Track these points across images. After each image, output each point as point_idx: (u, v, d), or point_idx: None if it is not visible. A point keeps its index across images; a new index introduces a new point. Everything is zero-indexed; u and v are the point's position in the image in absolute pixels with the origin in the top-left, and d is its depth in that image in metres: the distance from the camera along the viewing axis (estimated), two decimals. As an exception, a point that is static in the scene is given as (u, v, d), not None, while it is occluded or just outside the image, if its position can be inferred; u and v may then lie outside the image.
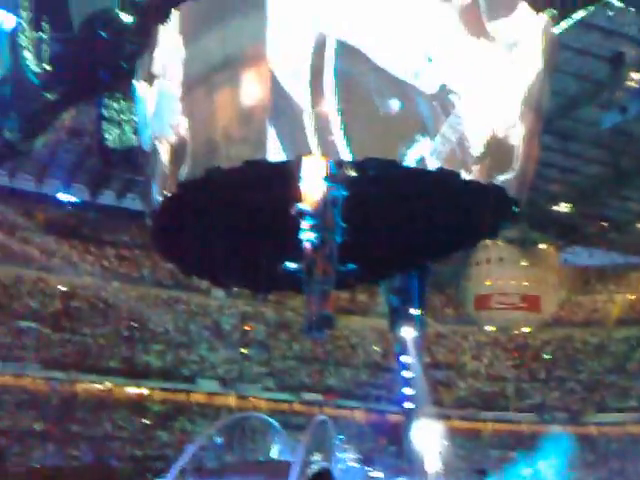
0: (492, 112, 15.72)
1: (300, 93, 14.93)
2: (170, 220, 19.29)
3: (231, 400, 38.49)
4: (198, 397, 38.66)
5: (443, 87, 14.74)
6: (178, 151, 16.87)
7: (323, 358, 42.70)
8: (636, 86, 24.51)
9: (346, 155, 15.55)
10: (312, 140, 15.37)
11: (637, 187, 35.64)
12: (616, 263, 46.93)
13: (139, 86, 17.86)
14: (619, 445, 39.12)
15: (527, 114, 16.68)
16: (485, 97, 15.51)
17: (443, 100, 14.85)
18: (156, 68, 16.81)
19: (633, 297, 46.26)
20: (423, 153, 15.30)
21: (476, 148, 15.73)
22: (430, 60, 14.49)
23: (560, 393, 43.03)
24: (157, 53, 16.85)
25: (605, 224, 41.09)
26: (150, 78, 17.13)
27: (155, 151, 17.45)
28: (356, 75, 14.65)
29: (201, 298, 42.61)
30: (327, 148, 15.50)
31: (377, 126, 15.25)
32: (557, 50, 17.98)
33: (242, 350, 40.80)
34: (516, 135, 16.55)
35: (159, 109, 16.93)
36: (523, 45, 15.81)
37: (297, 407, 39.23)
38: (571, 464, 34.95)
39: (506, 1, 15.65)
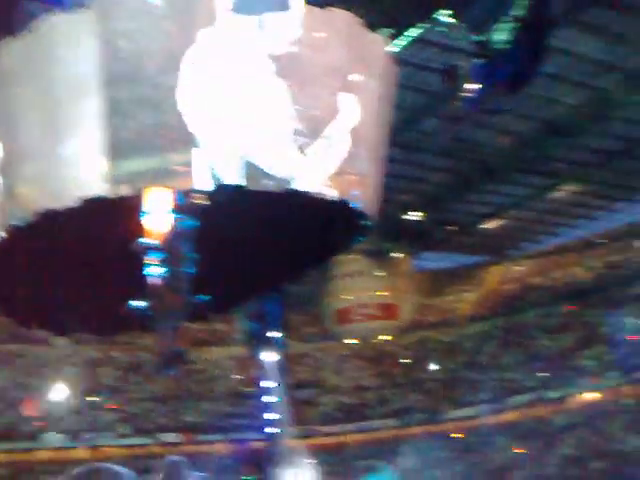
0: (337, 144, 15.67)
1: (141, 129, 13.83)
2: (-1, 268, 17.44)
3: (81, 453, 35.79)
4: (43, 454, 35.75)
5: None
6: (3, 194, 15.15)
7: (181, 395, 41.16)
8: (469, 96, 25.21)
9: (193, 184, 14.52)
10: (155, 171, 14.24)
11: (479, 191, 37.19)
12: (464, 264, 48.89)
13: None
14: (476, 438, 40.26)
15: (370, 133, 16.52)
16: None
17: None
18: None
19: (480, 294, 48.21)
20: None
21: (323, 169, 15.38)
22: None
23: (419, 394, 43.83)
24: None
25: (451, 228, 42.66)
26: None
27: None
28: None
29: (41, 349, 39.76)
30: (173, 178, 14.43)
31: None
32: (395, 69, 18.01)
33: (91, 398, 38.39)
34: (361, 155, 16.35)
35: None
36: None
37: (155, 449, 37.01)
38: (431, 463, 35.61)
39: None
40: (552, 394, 40.38)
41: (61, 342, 39.37)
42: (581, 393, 40.16)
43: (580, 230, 44.38)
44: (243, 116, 15.20)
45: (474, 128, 29.61)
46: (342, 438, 42.03)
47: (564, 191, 38.60)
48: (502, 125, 30.81)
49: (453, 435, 40.91)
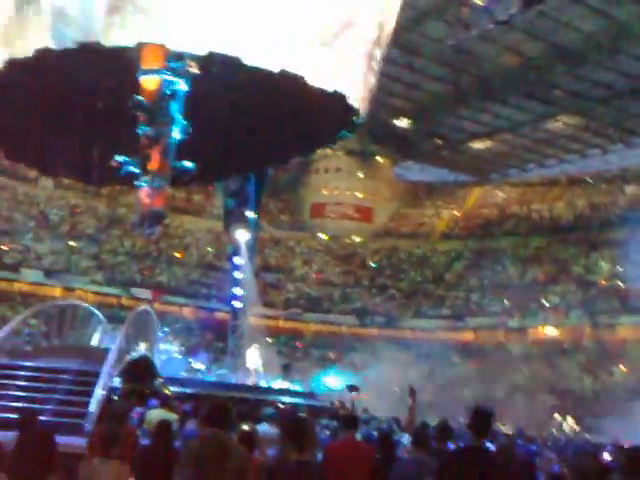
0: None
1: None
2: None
3: (56, 291, 36.53)
4: (21, 286, 36.36)
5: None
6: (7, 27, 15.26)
7: (155, 256, 41.80)
8: (481, 4, 24.68)
9: (189, 48, 14.79)
10: (153, 28, 14.41)
11: (473, 107, 36.73)
12: (445, 180, 48.97)
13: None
14: (430, 349, 41.16)
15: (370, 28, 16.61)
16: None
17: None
18: None
19: (457, 213, 48.53)
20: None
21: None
22: None
23: (381, 299, 44.51)
24: None
25: (439, 141, 42.35)
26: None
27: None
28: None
29: (28, 187, 40.32)
30: (169, 38, 14.62)
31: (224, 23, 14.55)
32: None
33: (70, 243, 38.96)
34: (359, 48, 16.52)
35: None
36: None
37: (125, 302, 37.69)
38: (384, 364, 36.69)
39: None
40: (512, 323, 40.24)
41: (49, 183, 40.39)
42: (542, 327, 39.76)
43: (570, 165, 43.89)
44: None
45: (481, 41, 28.81)
46: (302, 325, 42.99)
47: (561, 122, 38.06)
48: (510, 42, 29.89)
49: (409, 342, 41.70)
